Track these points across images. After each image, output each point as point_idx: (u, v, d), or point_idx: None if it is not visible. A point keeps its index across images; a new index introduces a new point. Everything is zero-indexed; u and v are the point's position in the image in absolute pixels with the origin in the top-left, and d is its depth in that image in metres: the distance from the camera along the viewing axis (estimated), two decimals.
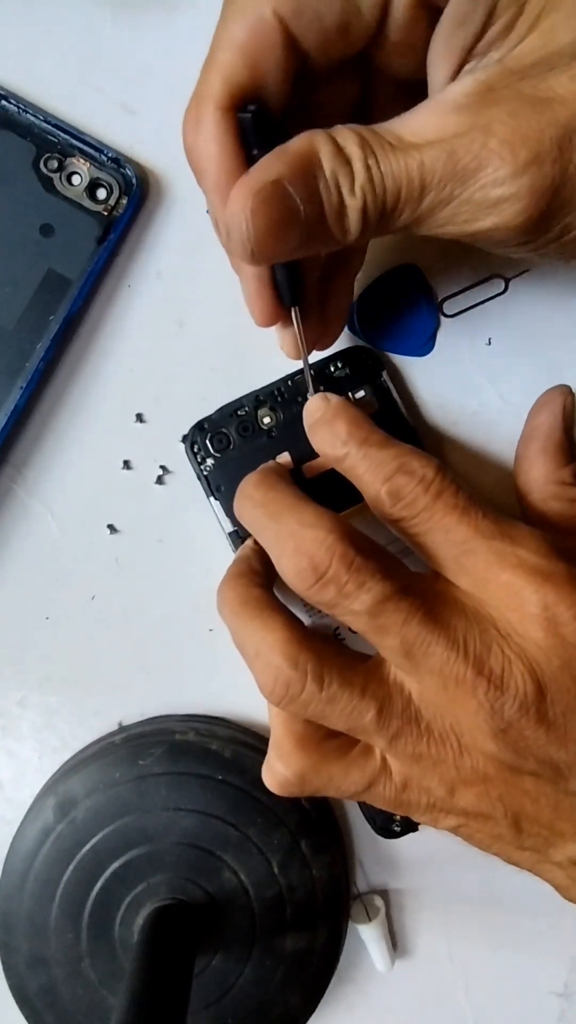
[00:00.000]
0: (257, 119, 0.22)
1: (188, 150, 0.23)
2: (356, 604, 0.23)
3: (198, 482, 0.31)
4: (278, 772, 0.26)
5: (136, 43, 0.31)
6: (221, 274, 0.32)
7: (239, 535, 0.31)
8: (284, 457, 0.30)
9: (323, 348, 0.29)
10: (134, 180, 0.30)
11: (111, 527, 0.33)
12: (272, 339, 0.28)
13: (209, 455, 0.31)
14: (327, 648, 0.24)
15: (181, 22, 0.31)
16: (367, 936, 0.34)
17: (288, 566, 0.23)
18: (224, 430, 0.31)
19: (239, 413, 0.31)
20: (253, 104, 0.22)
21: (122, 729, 0.33)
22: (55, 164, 0.30)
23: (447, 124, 0.21)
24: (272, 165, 0.21)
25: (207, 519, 0.31)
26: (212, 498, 0.31)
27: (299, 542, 0.23)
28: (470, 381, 0.32)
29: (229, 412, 0.31)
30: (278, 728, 0.26)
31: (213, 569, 0.32)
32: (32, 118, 0.30)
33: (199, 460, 0.31)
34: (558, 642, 0.22)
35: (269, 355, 0.30)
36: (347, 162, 0.21)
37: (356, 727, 0.24)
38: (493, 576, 0.23)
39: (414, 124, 0.21)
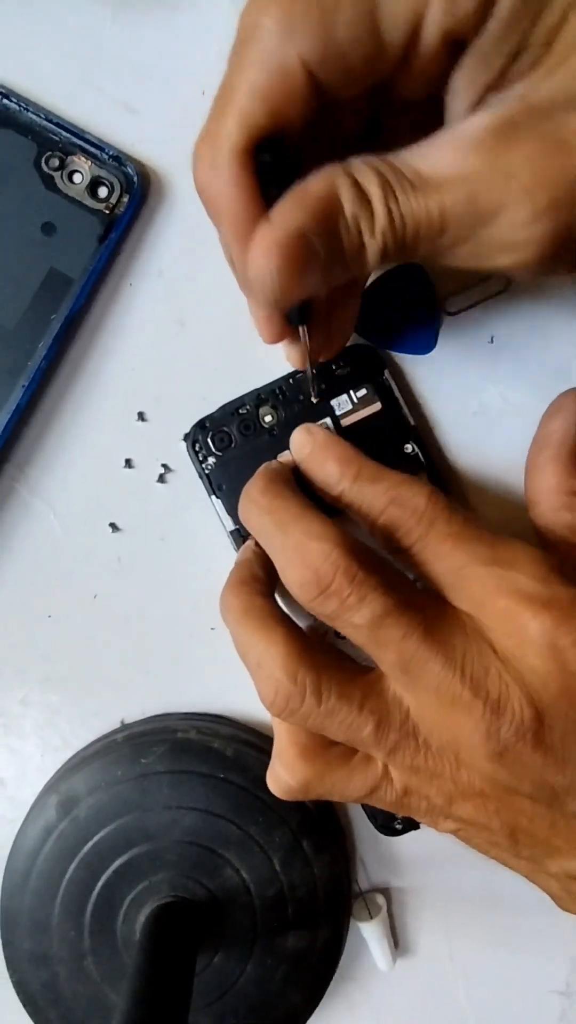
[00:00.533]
0: (276, 159, 0.22)
1: (202, 190, 0.23)
2: (357, 617, 0.23)
3: (199, 481, 0.31)
4: (282, 780, 0.26)
5: (137, 41, 0.31)
6: (222, 273, 0.32)
7: (240, 534, 0.31)
8: (286, 456, 0.30)
9: (329, 357, 0.29)
10: (135, 178, 0.30)
11: (113, 526, 0.33)
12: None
13: (211, 454, 0.31)
14: (327, 660, 0.24)
15: (182, 21, 0.31)
16: (368, 934, 0.34)
17: (292, 577, 0.24)
18: (225, 429, 0.31)
19: (240, 411, 0.31)
20: (271, 144, 0.22)
21: (124, 727, 0.33)
22: (56, 162, 0.30)
23: (468, 162, 0.20)
24: (294, 213, 0.21)
25: (209, 518, 0.31)
26: (213, 496, 0.31)
27: (304, 554, 0.23)
28: (472, 379, 0.32)
29: (230, 411, 0.31)
30: (282, 737, 0.26)
31: (215, 568, 0.32)
32: (33, 116, 0.30)
33: (200, 459, 0.31)
34: (557, 668, 0.22)
35: (270, 354, 0.30)
36: (368, 204, 0.21)
37: (355, 740, 0.24)
38: (491, 602, 0.23)
39: (433, 158, 0.21)
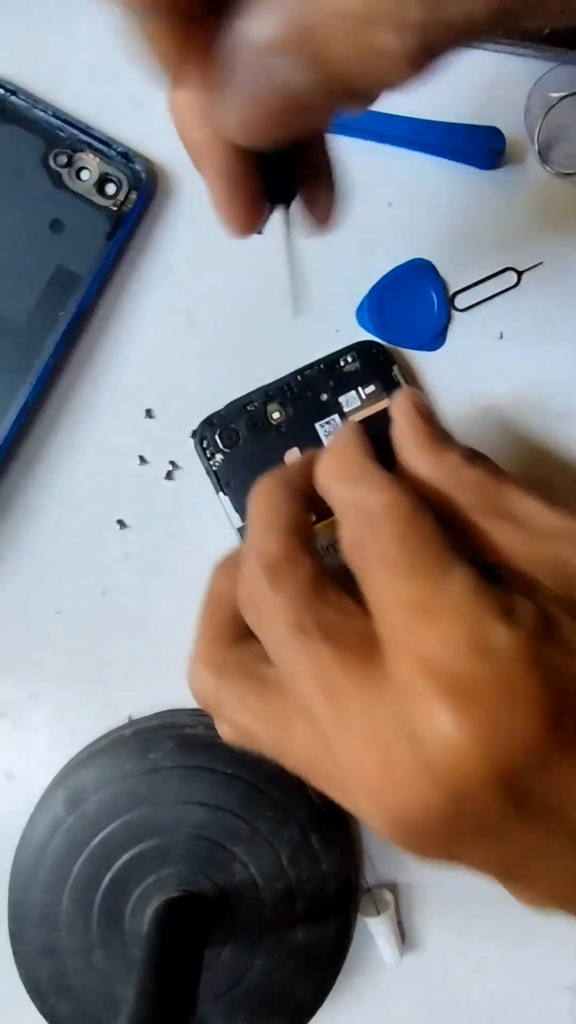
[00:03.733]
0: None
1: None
2: (261, 636, 0.22)
3: (207, 477, 0.31)
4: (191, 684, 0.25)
5: None
6: (231, 269, 0.32)
7: None
8: (293, 453, 0.30)
9: (328, 230, 0.24)
10: (143, 175, 0.30)
11: (121, 522, 0.33)
12: (282, 335, 0.28)
13: (218, 450, 0.31)
14: (240, 668, 0.24)
15: None
16: (376, 929, 0.34)
17: (238, 578, 0.23)
18: (233, 425, 0.31)
19: (248, 408, 0.31)
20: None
21: (132, 723, 0.33)
22: (64, 159, 0.30)
23: None
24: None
25: (216, 514, 0.31)
26: (221, 493, 0.31)
27: (243, 559, 0.23)
28: (482, 375, 0.32)
29: (238, 407, 0.31)
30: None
31: None
32: (41, 113, 0.30)
33: (208, 455, 0.31)
34: (462, 773, 0.17)
35: (278, 350, 0.30)
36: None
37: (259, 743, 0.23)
38: (397, 662, 0.19)
39: None
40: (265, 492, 0.25)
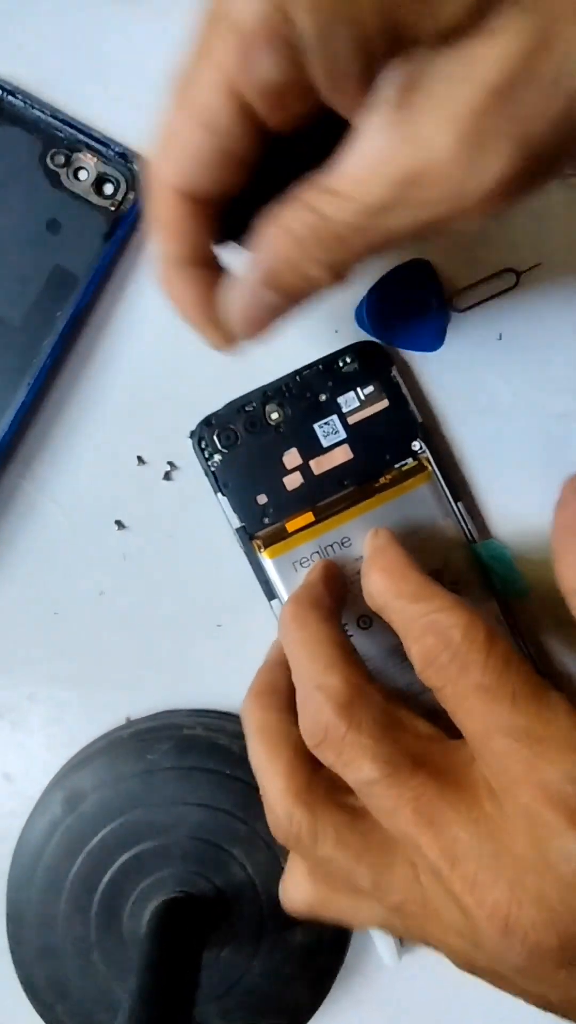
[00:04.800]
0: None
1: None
2: (348, 777, 0.22)
3: (205, 478, 0.31)
4: (289, 896, 0.25)
5: (142, 37, 0.31)
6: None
7: (246, 531, 0.30)
8: (291, 454, 0.30)
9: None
10: (141, 175, 0.30)
11: (119, 523, 0.33)
12: (280, 335, 0.28)
13: (216, 451, 0.31)
14: (328, 799, 0.23)
15: (188, 15, 0.30)
16: (374, 930, 0.34)
17: (300, 719, 0.23)
18: (231, 426, 0.31)
19: (247, 409, 0.31)
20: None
21: (130, 724, 0.33)
22: (62, 159, 0.30)
23: (377, 143, 0.18)
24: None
25: (215, 515, 0.31)
26: (219, 494, 0.31)
27: (306, 700, 0.23)
28: (481, 377, 0.32)
29: (236, 408, 0.31)
30: (292, 854, 0.26)
31: (221, 565, 0.32)
32: (38, 113, 0.30)
33: (206, 456, 0.31)
34: None
35: (277, 351, 0.30)
36: (309, 246, 0.20)
37: (354, 889, 0.23)
38: (512, 792, 0.20)
39: (349, 165, 0.19)
40: (299, 620, 0.25)
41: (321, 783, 0.23)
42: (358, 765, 0.21)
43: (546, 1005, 0.21)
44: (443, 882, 0.20)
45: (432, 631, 0.22)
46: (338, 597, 0.27)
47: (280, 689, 0.26)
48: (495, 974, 0.21)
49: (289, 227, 0.19)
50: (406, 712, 0.24)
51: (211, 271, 0.22)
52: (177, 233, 0.21)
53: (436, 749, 0.22)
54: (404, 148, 0.17)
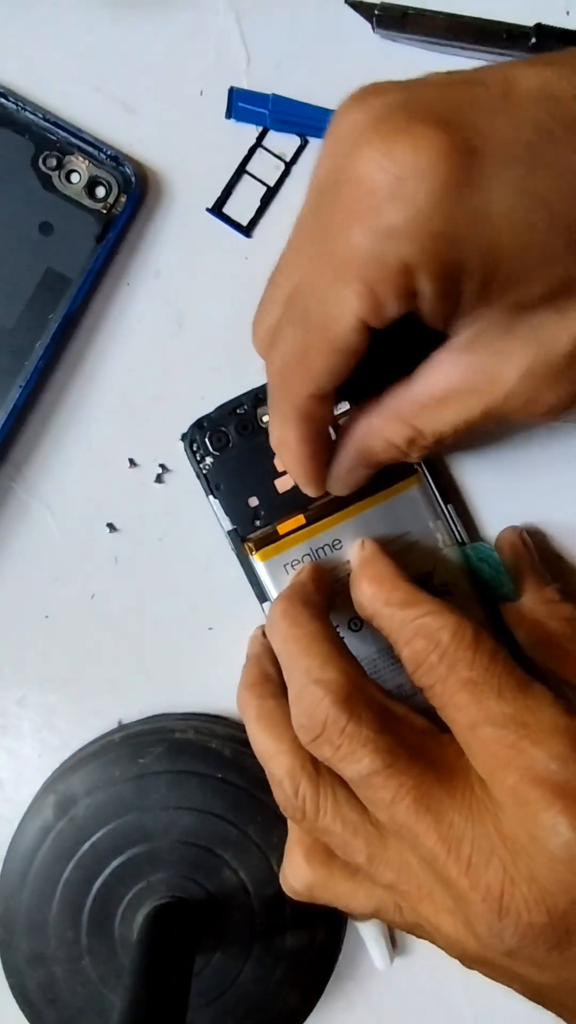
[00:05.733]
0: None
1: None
2: (347, 770, 0.22)
3: (197, 481, 0.31)
4: (287, 880, 0.26)
5: (135, 40, 0.31)
6: (220, 272, 0.32)
7: (238, 533, 0.31)
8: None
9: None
10: (133, 178, 0.30)
11: (110, 526, 0.33)
12: None
13: (208, 453, 0.31)
14: (331, 775, 0.24)
15: (180, 20, 0.31)
16: (366, 934, 0.34)
17: (294, 715, 0.24)
18: (223, 428, 0.31)
19: (238, 411, 0.31)
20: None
21: (121, 728, 0.33)
22: (54, 162, 0.30)
23: (462, 363, 0.23)
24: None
25: (206, 518, 0.31)
26: (211, 496, 0.31)
27: (301, 695, 0.23)
28: None
29: (228, 410, 0.31)
30: (291, 836, 0.26)
31: (212, 568, 0.32)
32: (31, 116, 0.30)
33: (198, 458, 0.31)
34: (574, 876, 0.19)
35: None
36: (403, 453, 0.26)
37: (352, 862, 0.24)
38: (499, 776, 0.21)
39: (436, 375, 0.24)
40: (291, 618, 0.25)
41: (322, 765, 0.24)
42: (358, 757, 0.22)
43: (536, 990, 0.22)
44: (439, 867, 0.21)
45: (421, 634, 0.23)
46: (327, 597, 0.28)
47: (273, 678, 0.27)
48: (484, 962, 0.22)
49: (391, 440, 0.25)
50: (401, 706, 0.24)
51: (326, 441, 0.26)
52: (312, 430, 0.25)
53: (430, 742, 0.23)
54: (481, 381, 0.23)
